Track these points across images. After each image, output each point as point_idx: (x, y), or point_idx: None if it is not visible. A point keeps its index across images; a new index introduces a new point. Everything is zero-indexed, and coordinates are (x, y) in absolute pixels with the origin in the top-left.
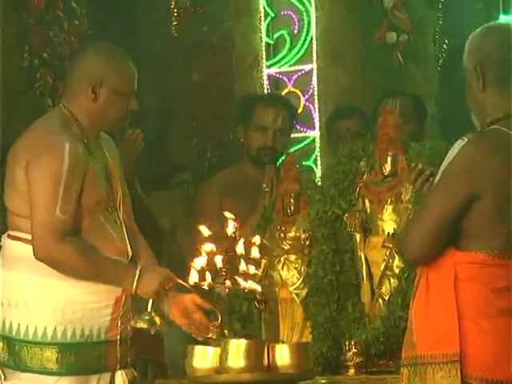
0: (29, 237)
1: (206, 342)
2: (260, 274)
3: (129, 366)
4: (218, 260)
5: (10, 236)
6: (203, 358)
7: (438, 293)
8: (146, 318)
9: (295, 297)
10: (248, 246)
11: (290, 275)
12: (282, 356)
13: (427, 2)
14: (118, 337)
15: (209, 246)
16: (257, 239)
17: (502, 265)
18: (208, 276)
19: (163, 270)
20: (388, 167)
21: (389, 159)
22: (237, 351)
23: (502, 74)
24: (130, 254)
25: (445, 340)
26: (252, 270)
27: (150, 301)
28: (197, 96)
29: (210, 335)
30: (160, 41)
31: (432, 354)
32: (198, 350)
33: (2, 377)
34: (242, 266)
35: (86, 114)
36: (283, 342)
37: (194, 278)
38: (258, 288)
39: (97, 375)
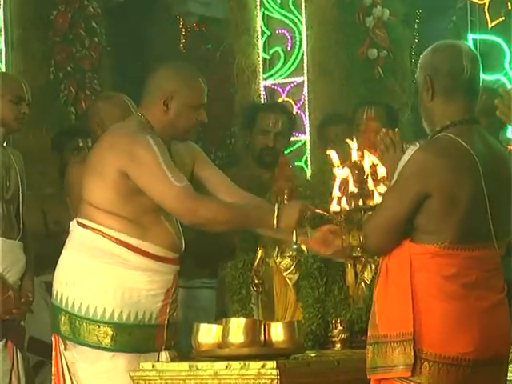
0: (98, 227)
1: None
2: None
3: (172, 347)
4: (350, 183)
5: (79, 223)
6: (207, 334)
7: (396, 279)
8: (294, 246)
9: (288, 281)
10: (373, 167)
11: (284, 262)
12: (277, 333)
13: (404, 22)
14: (166, 322)
15: (340, 172)
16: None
17: (450, 255)
18: (344, 202)
19: (299, 202)
20: None
21: None
22: (237, 328)
23: (448, 86)
24: (183, 248)
25: (401, 321)
26: (382, 189)
27: (294, 232)
28: None
29: (354, 254)
30: (170, 56)
31: (391, 334)
32: (203, 327)
33: (62, 346)
34: (370, 185)
35: (158, 123)
36: (277, 321)
37: (335, 207)
38: None
39: (145, 354)
